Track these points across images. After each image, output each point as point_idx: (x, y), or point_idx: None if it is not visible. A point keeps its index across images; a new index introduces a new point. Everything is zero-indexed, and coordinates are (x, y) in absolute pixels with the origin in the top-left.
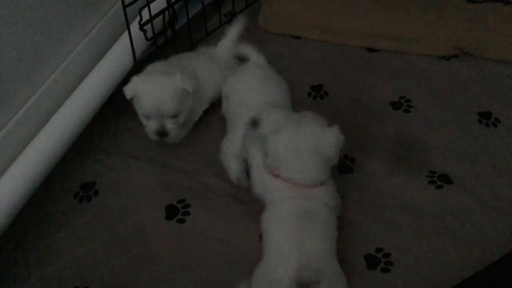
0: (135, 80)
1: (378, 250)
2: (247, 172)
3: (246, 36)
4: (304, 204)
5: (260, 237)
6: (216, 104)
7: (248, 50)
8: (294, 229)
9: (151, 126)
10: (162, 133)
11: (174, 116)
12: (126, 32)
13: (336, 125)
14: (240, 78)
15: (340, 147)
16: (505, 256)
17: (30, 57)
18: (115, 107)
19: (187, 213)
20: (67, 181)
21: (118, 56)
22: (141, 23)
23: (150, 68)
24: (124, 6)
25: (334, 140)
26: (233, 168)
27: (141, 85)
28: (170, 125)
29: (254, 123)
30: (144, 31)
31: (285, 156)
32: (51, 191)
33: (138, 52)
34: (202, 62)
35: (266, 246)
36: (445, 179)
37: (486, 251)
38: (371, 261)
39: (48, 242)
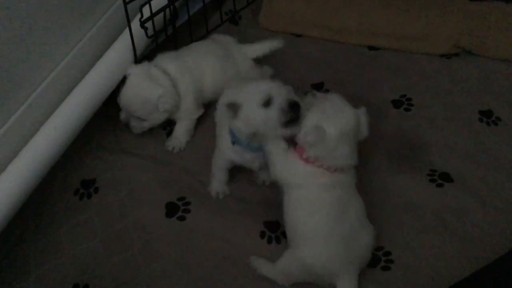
0: (130, 71)
1: (379, 248)
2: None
3: (247, 35)
4: (340, 193)
5: (261, 234)
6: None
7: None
8: (332, 220)
9: (121, 114)
10: (127, 125)
11: (140, 118)
12: (127, 30)
13: (363, 106)
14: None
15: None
16: (506, 255)
17: (31, 54)
18: (116, 105)
19: (188, 211)
20: (67, 178)
21: (119, 53)
22: (142, 20)
23: (157, 59)
24: (125, 3)
25: (366, 121)
26: (216, 178)
27: (130, 75)
28: (133, 123)
29: (231, 108)
30: (145, 29)
31: (335, 146)
32: (52, 188)
33: (138, 49)
34: (210, 65)
35: (296, 230)
36: (446, 177)
37: (487, 249)
38: (372, 259)
39: (48, 239)
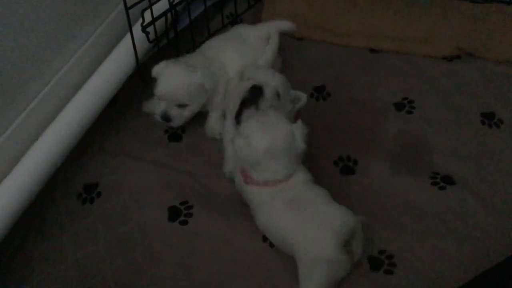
0: (163, 64)
1: (381, 252)
2: None
3: None
4: (290, 194)
5: (263, 238)
6: None
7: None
8: (299, 221)
9: (159, 108)
10: (166, 117)
11: (182, 106)
12: (129, 34)
13: (299, 120)
14: None
15: (306, 139)
16: (510, 257)
17: (32, 59)
18: (118, 108)
19: (190, 215)
20: (69, 183)
21: (121, 58)
22: (144, 25)
23: (184, 58)
24: (127, 8)
25: (301, 136)
26: (229, 155)
27: (164, 69)
28: (173, 112)
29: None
30: (147, 33)
31: (263, 162)
32: (54, 193)
33: (140, 54)
34: (229, 57)
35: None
36: (448, 180)
37: (490, 252)
38: (374, 263)
39: (51, 243)
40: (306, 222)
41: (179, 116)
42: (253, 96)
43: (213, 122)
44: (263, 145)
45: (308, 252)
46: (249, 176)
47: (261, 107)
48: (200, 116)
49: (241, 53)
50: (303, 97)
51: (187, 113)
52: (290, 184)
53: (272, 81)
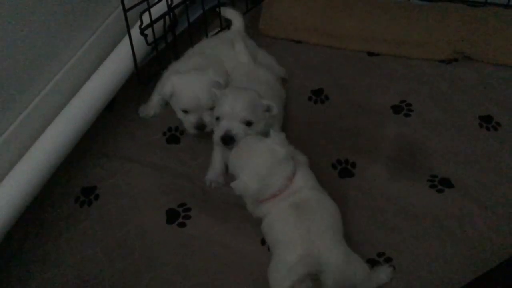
0: (173, 79)
1: (380, 254)
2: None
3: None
4: (293, 199)
5: (262, 241)
6: None
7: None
8: (294, 222)
9: (190, 120)
10: (202, 125)
11: (211, 109)
12: (127, 37)
13: (271, 130)
14: None
15: (286, 143)
16: (508, 260)
17: (31, 62)
18: (116, 111)
19: (188, 217)
20: (67, 186)
21: (119, 60)
22: (142, 27)
23: (182, 63)
24: (125, 10)
25: (281, 144)
26: (214, 164)
27: (180, 83)
28: (208, 117)
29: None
30: (145, 36)
31: (262, 187)
32: (52, 196)
33: (138, 57)
34: (227, 55)
35: (274, 247)
36: (446, 183)
37: (488, 254)
38: (373, 266)
39: (49, 246)
40: (299, 229)
41: (211, 120)
42: (228, 143)
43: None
44: (254, 180)
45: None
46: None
47: (237, 142)
48: None
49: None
50: (274, 108)
51: (214, 113)
52: (295, 188)
53: (237, 117)
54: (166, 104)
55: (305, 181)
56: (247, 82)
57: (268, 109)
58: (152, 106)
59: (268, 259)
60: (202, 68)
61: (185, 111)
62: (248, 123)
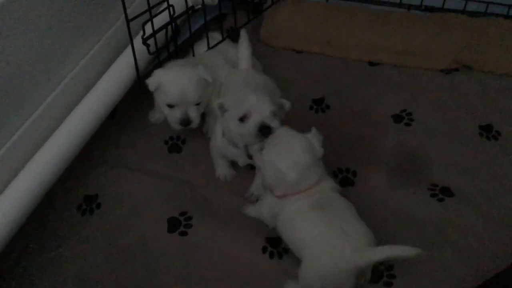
0: (159, 72)
1: (381, 262)
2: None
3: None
4: (317, 198)
5: (263, 249)
6: None
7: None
8: (323, 223)
9: (175, 115)
10: (186, 121)
11: (197, 104)
12: (130, 46)
13: (313, 128)
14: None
15: (322, 144)
16: (508, 268)
17: (34, 71)
18: (117, 120)
19: (189, 226)
20: (70, 194)
21: (122, 70)
22: (144, 37)
23: (170, 63)
24: (128, 21)
25: (318, 142)
26: (219, 163)
27: (166, 76)
28: (194, 113)
29: (220, 108)
30: (147, 45)
31: (297, 179)
32: (54, 204)
33: (141, 66)
34: (221, 65)
35: (302, 248)
36: (447, 192)
37: (489, 263)
38: (374, 274)
39: (51, 255)
40: (333, 227)
41: (197, 116)
42: (266, 135)
43: (212, 121)
44: (295, 170)
45: (322, 256)
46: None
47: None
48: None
49: (227, 61)
50: (287, 104)
51: (200, 110)
52: (319, 189)
53: (267, 109)
54: None
55: (328, 182)
56: (244, 87)
57: (280, 107)
58: (157, 110)
59: (270, 266)
60: (190, 65)
61: (170, 106)
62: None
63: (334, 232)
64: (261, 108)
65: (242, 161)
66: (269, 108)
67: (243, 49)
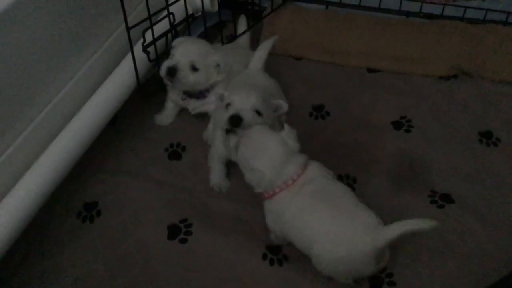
0: (181, 38)
1: (381, 270)
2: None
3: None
4: (311, 190)
5: (263, 255)
6: None
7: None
8: (330, 213)
9: (168, 60)
10: (172, 69)
11: (192, 68)
12: (130, 54)
13: (285, 125)
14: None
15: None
16: (509, 275)
17: (34, 78)
18: (117, 127)
19: (189, 233)
20: (70, 201)
21: (122, 77)
22: (144, 44)
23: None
24: (128, 28)
25: (293, 137)
26: (215, 171)
27: (183, 40)
28: (182, 67)
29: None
30: (147, 53)
31: (276, 174)
32: (54, 211)
33: (141, 74)
34: (236, 61)
35: (314, 242)
36: (447, 198)
37: (489, 269)
38: (374, 281)
39: (51, 262)
40: (340, 216)
41: (185, 76)
42: (235, 124)
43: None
44: (267, 166)
45: (338, 246)
46: (268, 192)
47: (245, 129)
48: (200, 131)
49: (238, 58)
50: (284, 105)
51: (193, 78)
52: (307, 178)
53: (248, 104)
54: (180, 111)
55: (319, 171)
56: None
57: (276, 110)
58: (167, 115)
59: (270, 274)
60: (213, 47)
61: (173, 54)
62: (258, 113)
63: (342, 220)
64: (243, 101)
65: None
66: (251, 103)
67: (259, 51)
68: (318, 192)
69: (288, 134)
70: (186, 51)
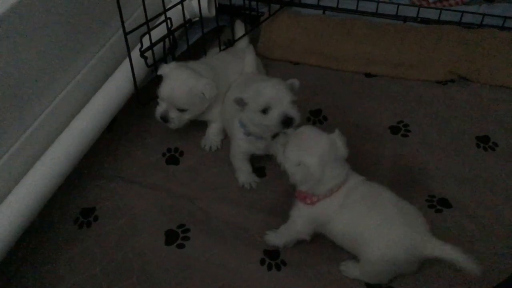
0: (170, 64)
1: None
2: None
3: None
4: (358, 192)
5: (261, 261)
6: None
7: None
8: (378, 213)
9: (159, 108)
10: (165, 118)
11: (182, 110)
12: (127, 59)
13: (336, 129)
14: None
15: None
16: (507, 280)
17: (31, 83)
18: (115, 133)
19: (187, 238)
20: (67, 207)
21: (119, 82)
22: (142, 50)
23: (190, 62)
24: (125, 33)
25: (342, 142)
26: (242, 169)
27: (169, 71)
28: (173, 115)
29: (239, 103)
30: (145, 58)
31: (320, 174)
32: (51, 217)
33: (138, 79)
34: (233, 66)
35: (365, 245)
36: (445, 203)
37: (487, 274)
38: (372, 285)
39: (47, 268)
40: (386, 218)
41: (178, 119)
42: (288, 126)
43: (212, 134)
44: (314, 159)
45: (385, 247)
46: (310, 195)
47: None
48: (198, 138)
49: (238, 65)
50: (296, 83)
51: (186, 117)
52: (353, 184)
53: (286, 99)
54: None
55: (356, 178)
56: (260, 80)
57: (292, 89)
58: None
59: (267, 279)
60: (199, 74)
61: (161, 99)
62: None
63: (392, 220)
64: (280, 99)
65: (270, 151)
66: (287, 98)
67: (248, 56)
68: (367, 197)
69: (338, 137)
70: (172, 95)
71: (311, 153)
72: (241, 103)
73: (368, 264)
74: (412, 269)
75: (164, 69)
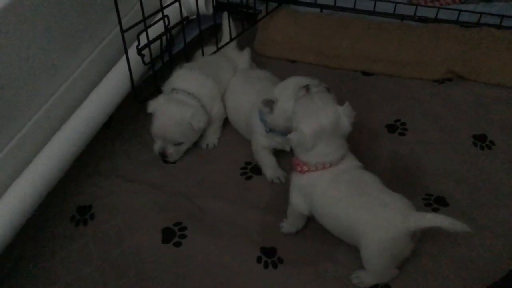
0: (160, 99)
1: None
2: None
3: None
4: (348, 177)
5: (258, 258)
6: None
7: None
8: (364, 199)
9: (155, 146)
10: (163, 155)
11: (177, 143)
12: (124, 57)
13: (346, 102)
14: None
15: (352, 121)
16: (502, 279)
17: (28, 81)
18: (112, 130)
19: (184, 236)
20: (63, 205)
21: (116, 80)
22: (139, 47)
23: (174, 79)
24: (122, 31)
25: (349, 118)
26: (267, 164)
27: (158, 107)
28: (170, 150)
29: (268, 104)
30: (142, 56)
31: (312, 145)
32: (48, 215)
33: (135, 76)
34: (223, 66)
35: (349, 229)
36: (441, 201)
37: (483, 273)
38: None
39: (43, 266)
40: (374, 204)
41: (176, 153)
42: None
43: (209, 132)
44: (310, 128)
45: (376, 231)
46: (301, 163)
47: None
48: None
49: (231, 67)
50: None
51: (183, 148)
52: (346, 167)
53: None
54: None
55: (353, 161)
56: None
57: None
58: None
59: (264, 276)
60: (187, 104)
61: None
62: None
63: (375, 206)
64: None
65: (288, 146)
66: (303, 79)
67: (245, 53)
68: (354, 182)
69: (345, 111)
70: (164, 133)
71: (310, 122)
72: (269, 104)
73: (368, 251)
74: (407, 253)
75: (153, 106)
